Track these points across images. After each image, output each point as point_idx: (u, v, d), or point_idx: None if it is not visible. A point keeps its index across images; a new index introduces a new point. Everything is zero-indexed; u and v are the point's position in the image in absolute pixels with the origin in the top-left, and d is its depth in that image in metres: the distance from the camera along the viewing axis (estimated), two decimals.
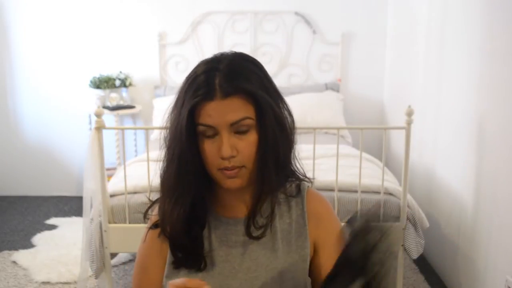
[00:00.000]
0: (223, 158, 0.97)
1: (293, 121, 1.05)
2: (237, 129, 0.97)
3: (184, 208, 1.02)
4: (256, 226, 1.04)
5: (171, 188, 1.03)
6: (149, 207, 1.13)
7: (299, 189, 1.12)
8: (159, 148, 1.06)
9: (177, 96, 1.02)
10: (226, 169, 0.98)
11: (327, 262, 1.06)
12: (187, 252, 1.05)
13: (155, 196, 1.11)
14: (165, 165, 1.04)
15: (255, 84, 0.98)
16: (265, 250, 1.07)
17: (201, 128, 0.97)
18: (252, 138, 0.98)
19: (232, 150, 0.97)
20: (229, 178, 0.99)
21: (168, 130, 1.03)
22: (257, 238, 1.05)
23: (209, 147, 0.98)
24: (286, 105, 1.05)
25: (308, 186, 1.13)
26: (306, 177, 1.11)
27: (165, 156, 1.05)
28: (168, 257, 1.08)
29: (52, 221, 3.77)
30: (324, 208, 1.12)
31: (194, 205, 1.03)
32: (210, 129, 0.97)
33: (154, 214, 1.11)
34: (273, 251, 1.07)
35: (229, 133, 0.97)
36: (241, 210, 1.08)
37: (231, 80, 0.96)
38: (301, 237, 1.08)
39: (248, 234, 1.05)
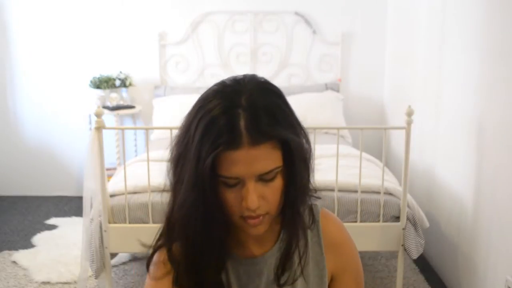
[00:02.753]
0: (249, 209, 0.86)
1: (310, 147, 0.93)
2: (264, 177, 0.86)
3: (203, 254, 0.92)
4: (287, 274, 0.98)
5: (187, 235, 0.91)
6: (152, 254, 1.00)
7: (312, 213, 1.02)
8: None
9: (187, 133, 0.87)
10: (250, 217, 0.88)
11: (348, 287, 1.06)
12: None
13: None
14: (175, 207, 0.91)
15: (284, 125, 0.85)
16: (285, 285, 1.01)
17: (222, 179, 0.85)
18: (278, 184, 0.88)
19: (258, 201, 0.86)
20: (253, 226, 0.90)
21: (175, 168, 0.91)
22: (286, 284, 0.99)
23: (231, 196, 0.87)
24: (304, 131, 0.92)
25: (320, 208, 1.05)
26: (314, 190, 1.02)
27: (174, 197, 0.93)
28: None
29: (52, 221, 3.76)
30: (340, 233, 1.06)
31: (213, 248, 0.92)
32: (233, 179, 0.85)
33: (162, 260, 0.98)
34: (292, 286, 1.01)
35: (255, 182, 0.85)
36: (257, 248, 1.01)
37: (259, 123, 0.82)
38: (318, 266, 1.03)
39: (278, 283, 0.98)
